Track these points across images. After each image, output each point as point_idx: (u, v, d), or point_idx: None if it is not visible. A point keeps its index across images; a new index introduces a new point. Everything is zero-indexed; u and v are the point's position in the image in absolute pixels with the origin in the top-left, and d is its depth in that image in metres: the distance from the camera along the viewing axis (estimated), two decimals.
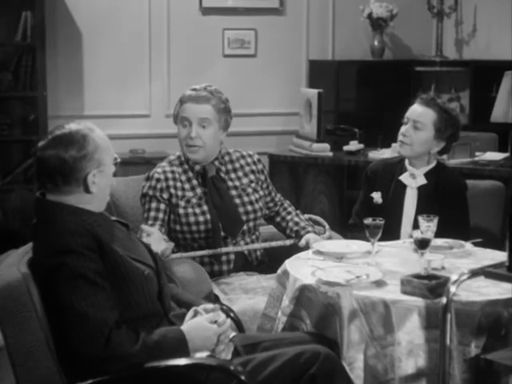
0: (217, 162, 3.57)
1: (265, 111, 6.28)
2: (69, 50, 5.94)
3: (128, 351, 2.32)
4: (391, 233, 3.40)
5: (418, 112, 3.63)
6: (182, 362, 2.37)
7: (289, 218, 3.69)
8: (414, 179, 3.65)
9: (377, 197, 3.69)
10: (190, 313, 2.57)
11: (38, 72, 5.59)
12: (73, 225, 2.40)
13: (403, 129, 3.66)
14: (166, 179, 3.48)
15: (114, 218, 2.67)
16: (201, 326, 2.47)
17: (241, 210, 3.53)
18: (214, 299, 3.22)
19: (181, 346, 2.40)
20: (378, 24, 6.41)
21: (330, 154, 5.72)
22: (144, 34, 6.10)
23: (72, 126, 2.46)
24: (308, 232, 3.57)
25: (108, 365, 2.31)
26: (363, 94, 6.38)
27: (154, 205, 3.45)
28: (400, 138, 3.66)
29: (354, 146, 5.73)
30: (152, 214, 3.44)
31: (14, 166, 5.73)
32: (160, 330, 2.43)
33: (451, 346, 2.49)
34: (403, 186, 3.68)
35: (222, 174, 3.57)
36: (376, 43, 6.48)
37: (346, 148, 5.75)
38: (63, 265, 2.34)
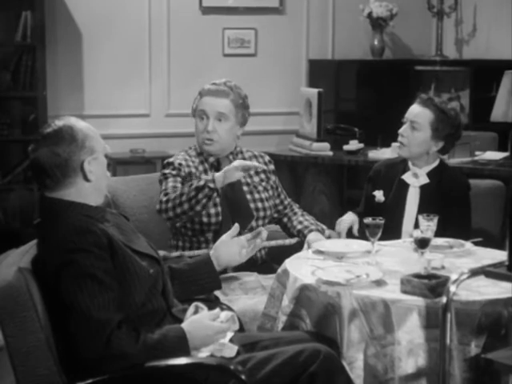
0: (231, 157, 3.60)
1: (265, 111, 6.28)
2: (69, 50, 5.94)
3: (128, 351, 2.32)
4: (392, 231, 3.41)
5: (416, 112, 3.63)
6: (182, 361, 2.36)
7: (294, 218, 3.69)
8: (416, 178, 3.65)
9: (379, 195, 3.69)
10: (191, 309, 2.57)
11: (37, 72, 5.59)
12: (83, 222, 2.42)
13: (401, 129, 3.66)
14: (188, 166, 3.53)
15: (114, 211, 2.71)
16: (202, 325, 2.47)
17: (251, 206, 3.55)
18: (214, 300, 3.22)
19: (181, 345, 2.40)
20: (377, 23, 6.41)
21: (330, 153, 5.72)
22: (144, 34, 6.10)
23: (57, 122, 2.50)
24: (311, 231, 3.57)
25: (108, 364, 2.31)
26: (363, 93, 6.38)
27: (179, 179, 3.48)
28: (399, 138, 3.67)
29: (353, 145, 5.73)
30: (179, 185, 3.45)
31: (14, 166, 5.73)
32: (161, 329, 2.43)
33: (451, 346, 2.49)
34: (406, 185, 3.67)
35: None
36: (376, 43, 6.48)
37: (345, 147, 5.74)
38: (72, 263, 2.34)
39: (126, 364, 2.32)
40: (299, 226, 3.63)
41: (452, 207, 3.51)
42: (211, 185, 3.30)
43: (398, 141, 3.68)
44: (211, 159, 3.58)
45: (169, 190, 3.44)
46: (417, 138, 3.61)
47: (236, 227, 2.93)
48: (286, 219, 3.72)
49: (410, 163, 3.69)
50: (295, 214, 3.71)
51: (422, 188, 3.65)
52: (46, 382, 2.33)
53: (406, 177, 3.68)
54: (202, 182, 3.31)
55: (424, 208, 3.41)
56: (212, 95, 3.55)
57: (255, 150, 3.77)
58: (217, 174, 3.33)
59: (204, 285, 2.85)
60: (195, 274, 2.83)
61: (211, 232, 3.48)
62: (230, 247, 2.88)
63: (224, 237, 2.91)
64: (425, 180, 3.65)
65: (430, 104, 3.61)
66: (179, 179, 3.49)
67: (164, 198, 3.39)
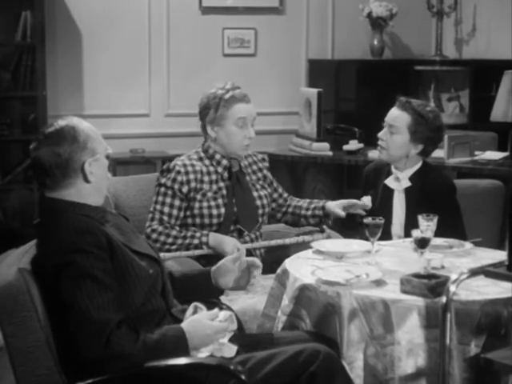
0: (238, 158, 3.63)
1: (264, 110, 6.27)
2: (69, 50, 5.94)
3: (128, 351, 2.32)
4: (382, 235, 3.39)
5: (394, 116, 3.63)
6: (181, 361, 2.37)
7: (299, 204, 3.77)
8: (398, 182, 3.64)
9: (367, 200, 3.67)
10: (190, 309, 2.57)
11: (37, 72, 5.60)
12: (83, 223, 2.41)
13: (381, 132, 3.66)
14: (187, 172, 3.51)
15: (114, 211, 2.72)
16: (201, 324, 2.47)
17: None
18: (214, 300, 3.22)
19: (181, 345, 2.40)
20: (377, 23, 6.41)
21: (330, 153, 5.72)
22: (144, 34, 6.11)
23: (60, 122, 2.50)
24: (325, 203, 3.70)
25: (108, 365, 2.31)
26: (363, 93, 6.38)
27: (168, 200, 3.48)
28: (378, 141, 3.67)
29: (353, 145, 5.73)
30: (166, 209, 3.47)
31: (14, 166, 5.73)
32: (161, 328, 2.43)
33: (451, 346, 2.49)
34: (390, 190, 3.66)
35: (243, 170, 3.64)
36: (376, 42, 6.48)
37: (345, 147, 5.74)
38: (72, 263, 2.34)
39: (125, 364, 2.32)
40: (312, 205, 3.72)
41: (439, 209, 3.46)
42: (206, 251, 3.39)
43: (377, 144, 3.68)
44: (224, 162, 3.57)
45: (155, 222, 3.44)
46: (395, 141, 3.60)
47: (241, 253, 2.88)
48: (291, 209, 3.77)
49: (392, 167, 3.68)
50: (298, 201, 3.79)
51: (407, 191, 3.62)
52: (46, 381, 2.33)
53: (389, 181, 3.67)
54: (199, 252, 3.38)
55: (411, 211, 3.40)
56: (243, 101, 3.55)
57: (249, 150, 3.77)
58: (212, 243, 3.40)
59: (206, 295, 2.82)
60: (195, 284, 2.81)
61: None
62: (229, 273, 2.82)
63: (226, 261, 2.83)
64: (406, 183, 3.62)
65: (408, 107, 3.59)
66: (168, 200, 3.46)
67: (153, 236, 3.42)
